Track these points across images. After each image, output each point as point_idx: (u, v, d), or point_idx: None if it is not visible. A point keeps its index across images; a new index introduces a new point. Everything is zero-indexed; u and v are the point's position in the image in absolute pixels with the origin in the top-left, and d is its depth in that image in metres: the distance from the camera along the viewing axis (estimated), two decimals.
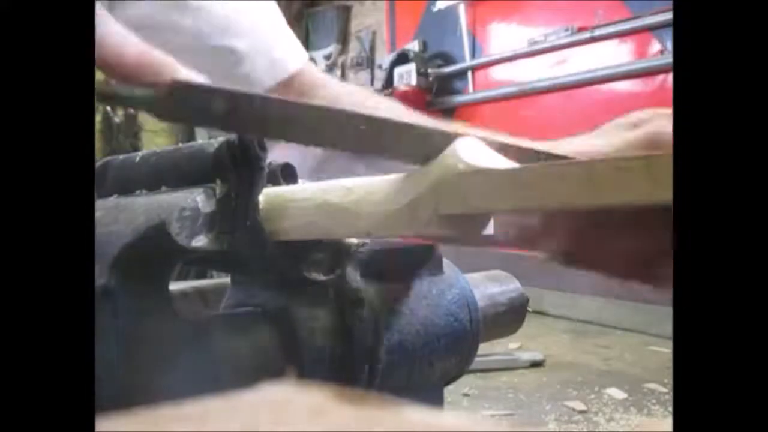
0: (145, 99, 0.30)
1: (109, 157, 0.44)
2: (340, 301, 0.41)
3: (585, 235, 0.35)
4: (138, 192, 0.41)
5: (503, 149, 0.35)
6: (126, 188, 0.42)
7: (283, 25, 0.81)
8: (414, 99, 3.60)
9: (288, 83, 0.78)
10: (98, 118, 2.51)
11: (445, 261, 0.49)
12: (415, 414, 0.18)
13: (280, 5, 0.80)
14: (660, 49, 2.90)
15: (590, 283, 2.82)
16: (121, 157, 0.44)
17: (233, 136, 0.38)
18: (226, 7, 0.75)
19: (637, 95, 2.97)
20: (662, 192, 0.26)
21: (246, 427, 0.16)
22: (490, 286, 0.53)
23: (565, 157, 0.38)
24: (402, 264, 0.45)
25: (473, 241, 0.36)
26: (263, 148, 0.38)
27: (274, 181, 0.40)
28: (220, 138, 0.39)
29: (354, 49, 4.68)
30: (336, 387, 0.19)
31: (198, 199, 0.36)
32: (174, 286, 0.44)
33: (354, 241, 0.42)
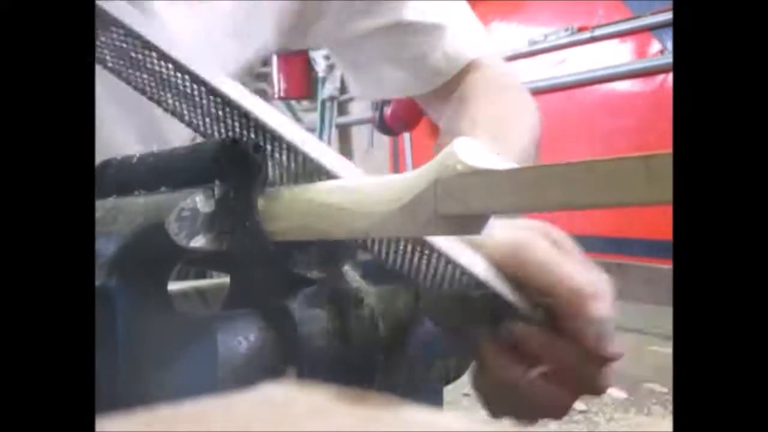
0: None
1: (108, 158, 0.44)
2: (339, 301, 0.41)
3: None
4: (137, 192, 0.41)
5: None
6: (125, 189, 0.42)
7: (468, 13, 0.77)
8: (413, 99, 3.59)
9: (461, 76, 0.73)
10: None
11: None
12: (415, 414, 0.18)
13: None
14: (660, 49, 2.90)
15: None
16: (119, 157, 0.44)
17: (231, 137, 0.38)
18: None
19: (637, 95, 2.97)
20: (662, 192, 0.26)
21: (246, 428, 0.16)
22: None
23: None
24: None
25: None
26: (259, 150, 0.38)
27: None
28: (219, 138, 0.39)
29: None
30: (336, 387, 0.19)
31: (197, 199, 0.36)
32: (174, 286, 0.44)
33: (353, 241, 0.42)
